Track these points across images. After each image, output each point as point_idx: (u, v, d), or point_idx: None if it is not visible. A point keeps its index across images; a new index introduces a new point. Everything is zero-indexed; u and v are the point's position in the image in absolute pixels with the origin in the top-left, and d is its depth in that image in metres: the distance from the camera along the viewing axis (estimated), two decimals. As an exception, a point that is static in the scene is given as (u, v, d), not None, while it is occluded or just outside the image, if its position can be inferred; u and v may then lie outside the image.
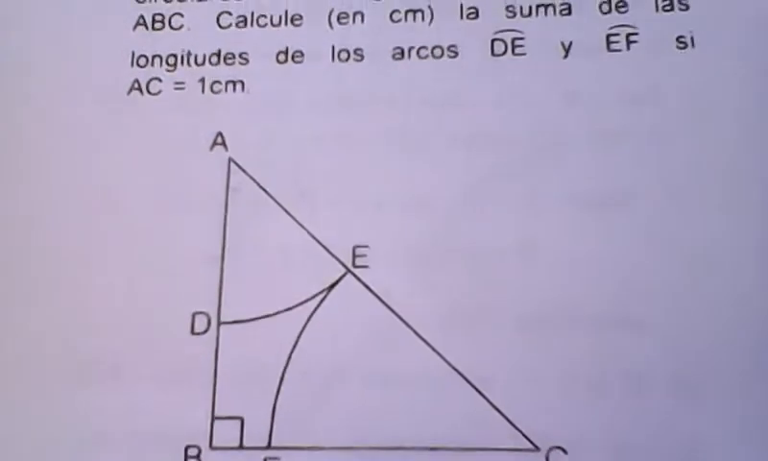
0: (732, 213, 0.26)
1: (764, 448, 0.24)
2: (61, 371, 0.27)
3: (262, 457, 0.26)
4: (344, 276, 0.27)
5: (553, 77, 0.28)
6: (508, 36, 0.28)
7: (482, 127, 0.28)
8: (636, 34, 0.28)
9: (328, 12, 0.29)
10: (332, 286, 0.27)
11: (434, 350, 0.26)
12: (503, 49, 0.28)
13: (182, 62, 0.29)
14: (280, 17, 0.30)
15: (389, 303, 0.27)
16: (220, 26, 0.30)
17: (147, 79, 0.29)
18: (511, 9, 0.29)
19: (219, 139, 0.28)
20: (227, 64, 0.29)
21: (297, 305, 0.27)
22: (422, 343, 0.26)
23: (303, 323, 0.27)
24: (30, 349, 0.27)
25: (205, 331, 0.27)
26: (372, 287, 0.27)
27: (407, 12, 0.29)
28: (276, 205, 0.28)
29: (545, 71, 0.28)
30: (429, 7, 0.29)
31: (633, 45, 0.28)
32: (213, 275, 0.27)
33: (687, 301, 0.26)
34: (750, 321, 0.25)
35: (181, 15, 0.30)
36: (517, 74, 0.28)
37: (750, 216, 0.26)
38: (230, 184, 0.28)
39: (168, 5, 0.30)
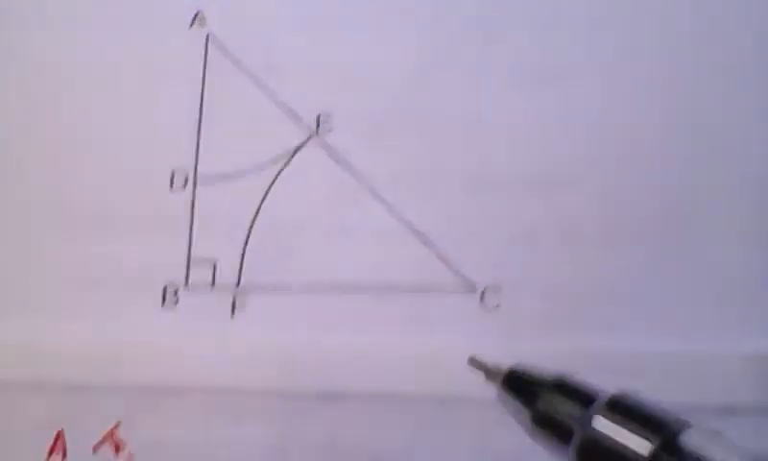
0: (656, 87, 0.29)
1: (670, 289, 0.28)
2: (56, 221, 0.30)
3: (232, 296, 0.29)
4: (309, 139, 0.30)
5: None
6: None
7: (434, 10, 0.30)
8: None
9: None
10: (298, 149, 0.30)
11: (387, 205, 0.29)
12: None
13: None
14: None
15: (348, 164, 0.30)
16: None
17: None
18: None
19: (198, 18, 0.31)
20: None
21: (266, 165, 0.30)
22: (376, 199, 0.29)
23: (272, 180, 0.30)
24: (29, 201, 0.30)
25: (183, 187, 0.30)
26: (334, 150, 0.30)
27: None
28: (248, 77, 0.31)
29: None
30: None
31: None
32: (191, 138, 0.30)
33: (613, 163, 0.29)
34: (665, 180, 0.28)
35: None
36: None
37: (672, 90, 0.29)
38: (208, 58, 0.31)
39: None
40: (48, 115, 0.31)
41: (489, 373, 0.23)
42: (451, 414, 0.27)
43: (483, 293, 0.28)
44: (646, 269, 0.28)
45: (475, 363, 0.24)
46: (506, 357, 0.25)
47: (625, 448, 0.19)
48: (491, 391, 0.25)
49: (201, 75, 0.31)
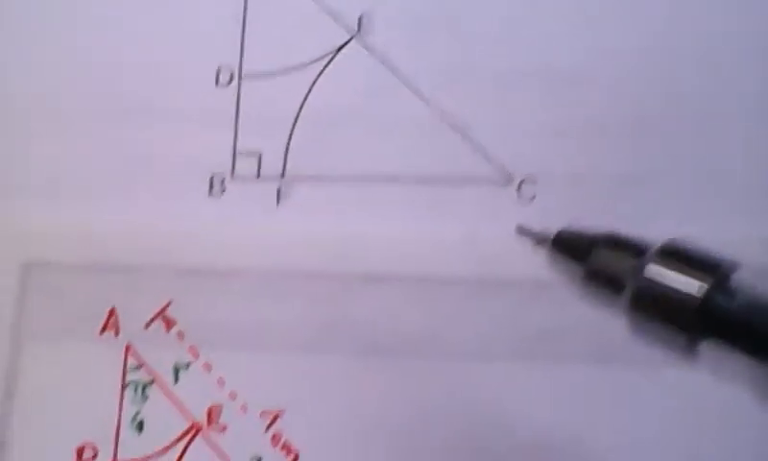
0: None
1: (695, 175, 0.29)
2: (108, 109, 0.31)
3: (277, 185, 0.30)
4: (350, 39, 0.31)
5: None
6: None
7: None
8: None
9: None
10: (341, 48, 0.31)
11: (425, 100, 0.30)
12: None
13: None
14: None
15: (388, 62, 0.31)
16: None
17: None
18: None
19: None
20: None
21: (310, 63, 0.31)
22: (415, 94, 0.30)
23: (315, 77, 0.31)
24: (82, 90, 0.32)
25: (229, 83, 0.31)
26: (375, 49, 0.31)
27: None
28: (292, -23, 0.32)
29: None
30: None
31: None
32: (236, 36, 0.32)
33: (636, 60, 0.30)
34: (685, 72, 0.30)
35: None
36: None
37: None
38: (252, -40, 0.32)
39: None
40: (100, 12, 0.32)
41: (537, 238, 0.24)
42: (490, 294, 0.28)
43: (520, 184, 0.29)
44: (670, 157, 0.29)
45: (523, 231, 0.25)
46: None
47: (678, 291, 0.20)
48: (528, 271, 0.27)
49: (246, -25, 0.32)
